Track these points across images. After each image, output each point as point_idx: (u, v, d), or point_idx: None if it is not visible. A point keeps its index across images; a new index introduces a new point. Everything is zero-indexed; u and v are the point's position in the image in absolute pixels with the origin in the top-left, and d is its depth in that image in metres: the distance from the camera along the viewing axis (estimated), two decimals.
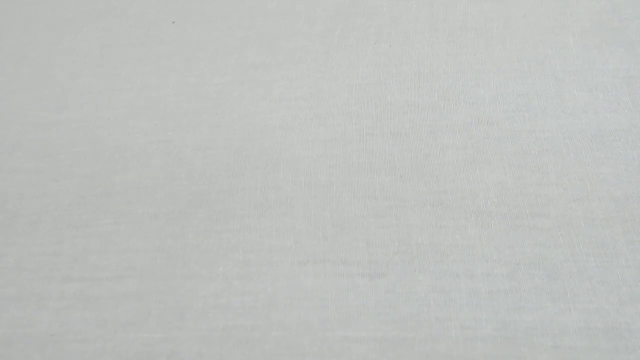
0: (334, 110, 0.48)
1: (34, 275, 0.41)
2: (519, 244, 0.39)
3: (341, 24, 0.55)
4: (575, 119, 0.45)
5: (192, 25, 0.57)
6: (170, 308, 0.39)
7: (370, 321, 0.37)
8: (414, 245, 0.40)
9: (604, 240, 0.39)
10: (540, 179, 0.42)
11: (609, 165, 0.42)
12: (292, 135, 0.47)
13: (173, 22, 0.57)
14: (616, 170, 0.42)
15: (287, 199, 0.43)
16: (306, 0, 0.57)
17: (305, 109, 0.48)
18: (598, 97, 0.46)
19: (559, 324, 0.36)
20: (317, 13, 0.56)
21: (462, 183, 0.42)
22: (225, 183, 0.44)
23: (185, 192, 0.44)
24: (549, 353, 0.35)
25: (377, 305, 0.37)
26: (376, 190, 0.43)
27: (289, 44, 0.54)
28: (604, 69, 0.48)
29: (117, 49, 0.56)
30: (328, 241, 0.40)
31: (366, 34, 0.54)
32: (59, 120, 0.50)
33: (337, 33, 0.54)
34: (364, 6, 0.56)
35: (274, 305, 0.38)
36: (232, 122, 0.48)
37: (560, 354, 0.35)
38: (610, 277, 0.37)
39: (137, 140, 0.48)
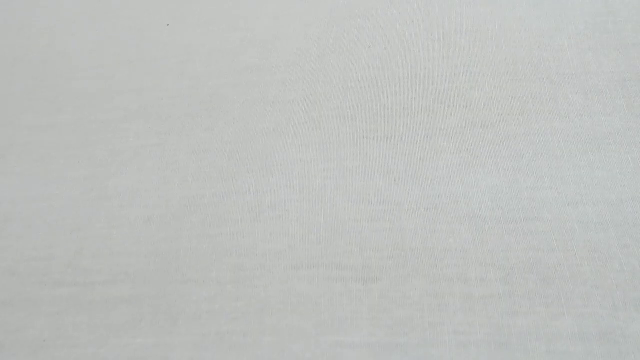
0: (328, 113, 0.48)
1: (26, 280, 0.41)
2: (513, 248, 0.39)
3: (336, 26, 0.55)
4: (569, 122, 0.45)
5: (186, 28, 0.57)
6: (163, 313, 0.38)
7: (363, 326, 0.37)
8: (407, 250, 0.39)
9: (598, 245, 0.38)
10: (534, 182, 0.42)
11: (604, 169, 0.42)
12: (286, 139, 0.46)
13: (167, 25, 0.57)
14: (611, 174, 0.42)
15: (280, 203, 0.43)
16: (301, 2, 0.57)
17: (299, 112, 0.48)
18: (593, 101, 0.46)
19: (553, 329, 0.35)
20: (312, 16, 0.56)
21: (457, 187, 0.42)
22: (219, 187, 0.44)
23: (178, 196, 0.44)
24: (542, 358, 0.34)
25: (371, 310, 0.37)
26: (370, 194, 0.42)
27: (283, 46, 0.53)
28: (599, 72, 0.47)
29: (111, 51, 0.55)
30: (322, 245, 0.40)
31: (361, 36, 0.53)
32: (53, 123, 0.50)
33: (332, 36, 0.54)
34: (358, 9, 0.56)
35: (267, 310, 0.38)
36: (226, 125, 0.48)
37: (554, 359, 0.34)
38: (604, 281, 0.37)
39: (130, 144, 0.48)
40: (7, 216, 0.44)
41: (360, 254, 0.40)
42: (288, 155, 0.45)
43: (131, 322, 0.38)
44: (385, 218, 0.41)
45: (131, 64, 0.54)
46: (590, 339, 0.35)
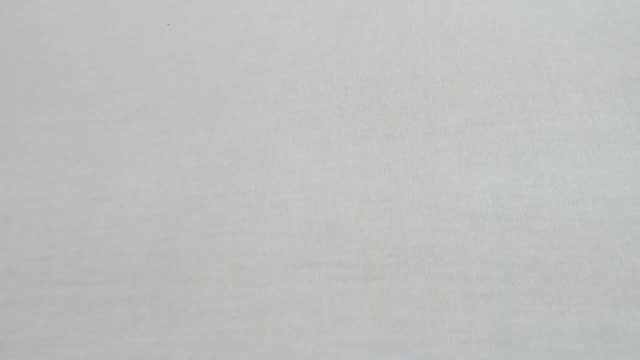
0: (328, 112, 0.48)
1: (26, 280, 0.41)
2: (514, 246, 0.39)
3: (336, 26, 0.55)
4: (570, 121, 0.45)
5: (186, 28, 0.57)
6: (164, 312, 0.38)
7: (364, 324, 0.37)
8: (408, 248, 0.39)
9: (599, 243, 0.38)
10: (534, 181, 0.42)
11: (604, 167, 0.42)
12: (286, 138, 0.46)
13: (167, 25, 0.57)
14: (611, 172, 0.42)
15: (281, 202, 0.43)
16: (301, 2, 0.57)
17: (299, 112, 0.48)
18: (593, 99, 0.46)
19: (553, 327, 0.35)
20: (312, 15, 0.56)
21: (457, 185, 0.42)
22: (219, 186, 0.44)
23: (179, 196, 0.44)
24: (543, 356, 0.34)
25: (372, 308, 0.37)
26: (371, 193, 0.42)
27: (283, 46, 0.53)
28: (599, 70, 0.47)
29: (111, 51, 0.56)
30: (322, 244, 0.40)
31: (361, 36, 0.53)
32: (53, 123, 0.50)
33: (332, 35, 0.54)
34: (358, 8, 0.56)
35: (267, 309, 0.38)
36: (226, 124, 0.48)
37: (555, 357, 0.34)
38: (604, 279, 0.37)
39: (130, 144, 0.48)
40: (7, 216, 0.44)
41: (360, 252, 0.40)
42: (288, 154, 0.45)
43: (131, 321, 0.38)
44: (385, 216, 0.41)
45: (131, 64, 0.54)
46: (591, 337, 0.35)
